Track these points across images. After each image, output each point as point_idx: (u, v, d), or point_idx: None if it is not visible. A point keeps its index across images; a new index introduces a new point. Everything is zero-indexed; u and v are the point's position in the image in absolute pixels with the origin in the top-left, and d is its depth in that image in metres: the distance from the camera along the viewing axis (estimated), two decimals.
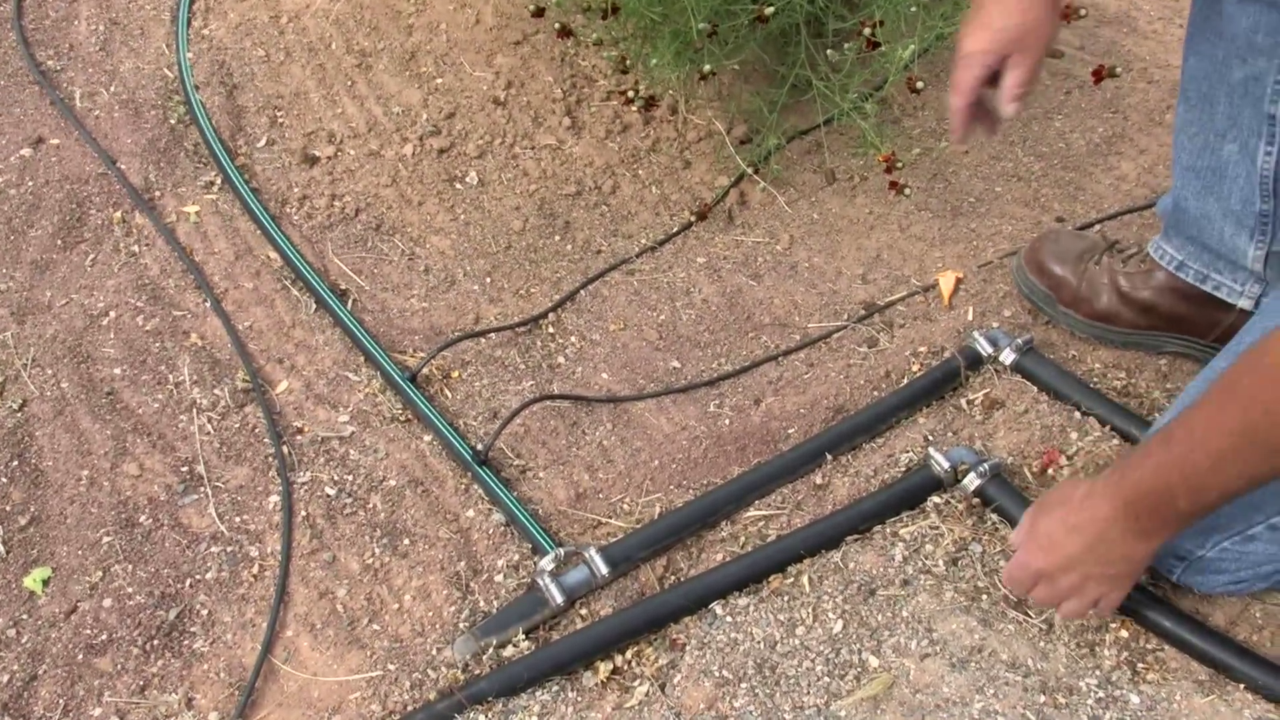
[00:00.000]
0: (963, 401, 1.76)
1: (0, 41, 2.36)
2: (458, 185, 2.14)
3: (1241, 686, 1.40)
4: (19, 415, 1.75)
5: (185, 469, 1.70)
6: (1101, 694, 1.40)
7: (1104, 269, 1.76)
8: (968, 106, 1.46)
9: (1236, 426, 1.12)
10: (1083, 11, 1.68)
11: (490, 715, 1.43)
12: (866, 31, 1.93)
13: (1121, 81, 2.29)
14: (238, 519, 1.65)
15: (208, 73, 2.27)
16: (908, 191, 2.01)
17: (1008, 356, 1.76)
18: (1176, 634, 1.44)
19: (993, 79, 1.44)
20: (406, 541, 1.62)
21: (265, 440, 1.74)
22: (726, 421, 1.78)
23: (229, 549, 1.62)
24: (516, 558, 1.60)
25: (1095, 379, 1.76)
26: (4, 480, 1.67)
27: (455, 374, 1.85)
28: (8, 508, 1.65)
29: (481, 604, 1.55)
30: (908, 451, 1.69)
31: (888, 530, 1.59)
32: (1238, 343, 1.43)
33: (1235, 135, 1.52)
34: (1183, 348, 1.74)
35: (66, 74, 2.31)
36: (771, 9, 1.88)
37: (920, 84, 1.93)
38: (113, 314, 1.90)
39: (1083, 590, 1.32)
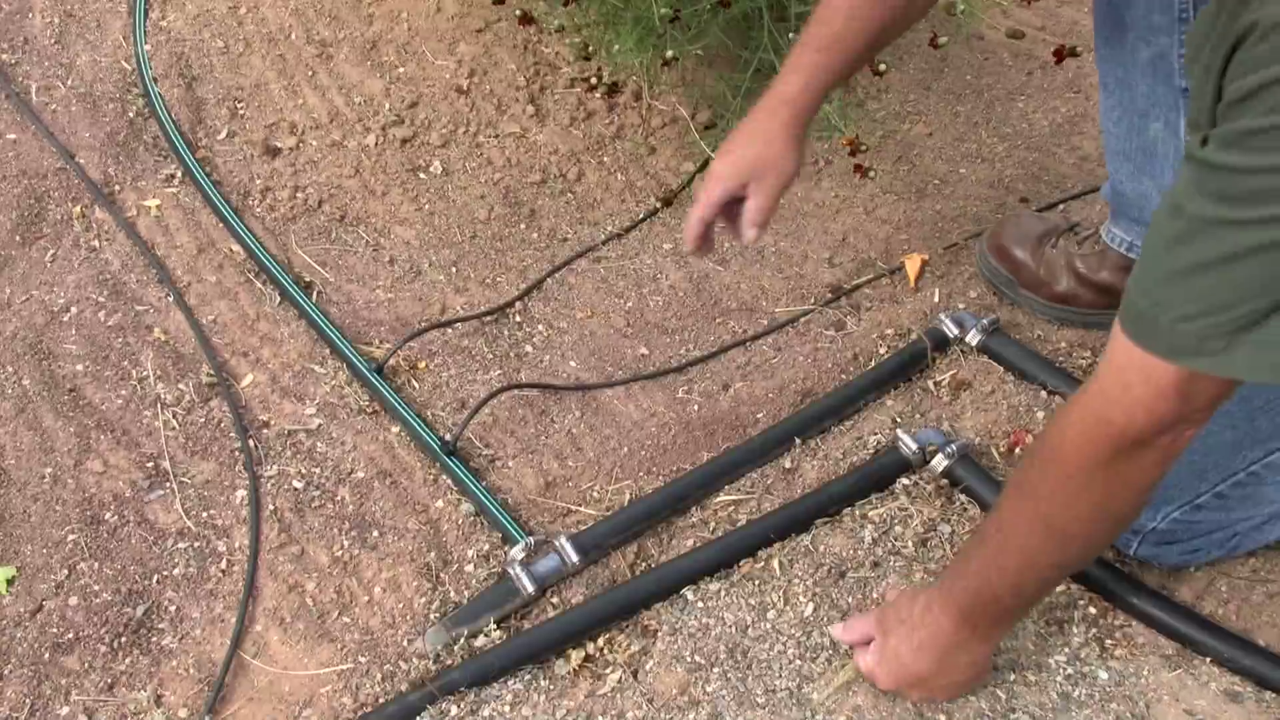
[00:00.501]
0: (930, 383, 1.76)
1: None
2: (421, 175, 2.13)
3: (1208, 660, 1.42)
4: None
5: (150, 465, 1.69)
6: (1070, 670, 1.41)
7: (1061, 252, 1.78)
8: (701, 221, 1.51)
9: (1033, 520, 1.16)
10: None
11: (463, 705, 1.42)
12: None
13: (1083, 61, 2.30)
14: (205, 514, 1.64)
15: (166, 65, 2.25)
16: (873, 174, 2.01)
17: (974, 338, 1.77)
18: (1143, 610, 1.45)
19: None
20: (375, 533, 1.61)
21: (231, 434, 1.73)
22: (695, 407, 1.78)
23: (196, 544, 1.61)
24: (487, 547, 1.60)
25: (1061, 358, 1.77)
26: None
27: (422, 365, 1.85)
28: None
29: (452, 594, 1.55)
30: (876, 434, 1.69)
31: (857, 513, 1.60)
32: None
33: (1158, 113, 1.54)
34: None
35: (21, 68, 2.28)
36: None
37: (883, 67, 1.94)
38: (74, 310, 1.88)
39: (930, 699, 1.36)
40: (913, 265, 1.94)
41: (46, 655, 1.49)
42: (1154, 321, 0.97)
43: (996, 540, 1.20)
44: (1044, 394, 1.71)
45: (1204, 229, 0.92)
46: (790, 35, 1.98)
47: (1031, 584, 1.23)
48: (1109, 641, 1.45)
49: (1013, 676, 1.40)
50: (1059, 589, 1.49)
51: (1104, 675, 1.41)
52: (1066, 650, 1.43)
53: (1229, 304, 0.92)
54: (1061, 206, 2.02)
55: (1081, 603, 1.48)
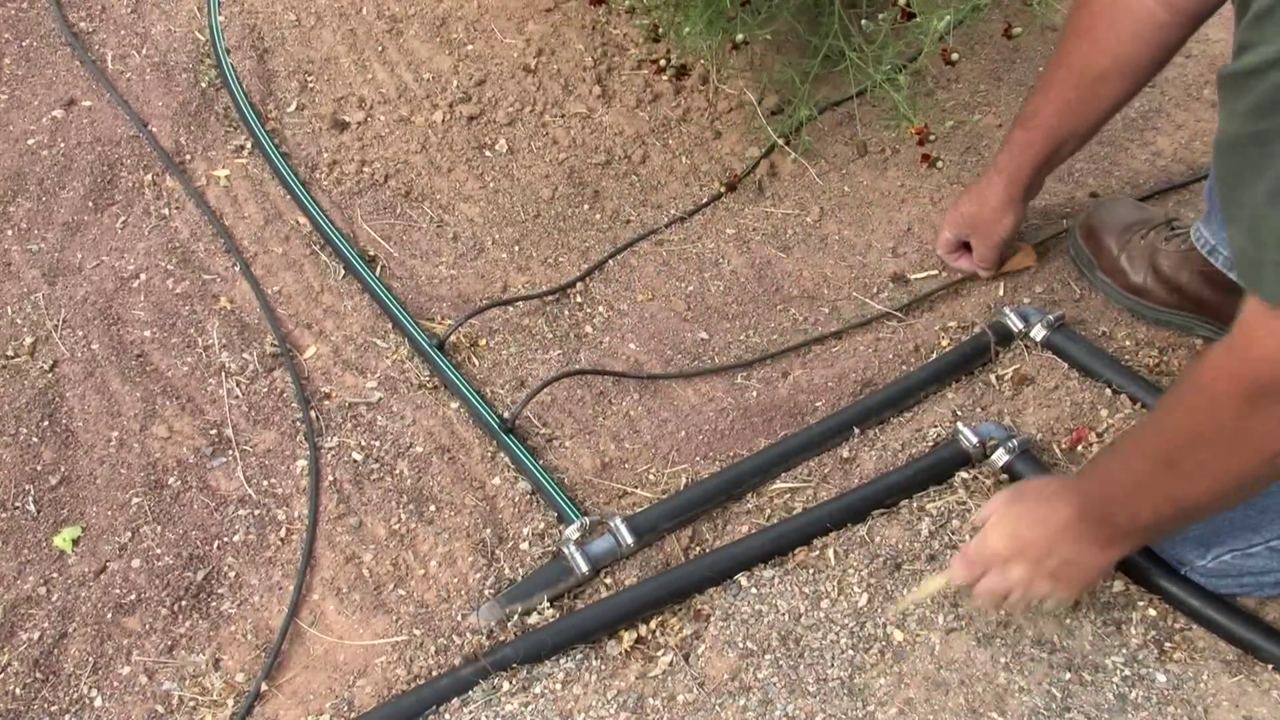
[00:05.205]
0: (992, 377, 1.75)
1: (33, 3, 2.36)
2: (487, 153, 2.13)
3: (1270, 667, 1.40)
4: (50, 376, 1.76)
5: (214, 432, 1.71)
6: (1128, 672, 1.40)
7: (1147, 245, 1.75)
8: (947, 255, 1.90)
9: (1158, 451, 1.18)
10: None
11: (514, 682, 1.43)
12: (901, 1, 1.90)
13: None
14: (265, 483, 1.66)
15: (239, 36, 2.27)
16: (940, 165, 1.98)
17: (1038, 333, 1.75)
18: (1204, 613, 1.44)
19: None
20: (433, 508, 1.62)
21: (293, 405, 1.74)
22: (754, 394, 1.78)
23: (256, 512, 1.63)
24: (542, 526, 1.61)
25: (1127, 356, 1.75)
26: (35, 440, 1.69)
27: (483, 342, 1.85)
28: (38, 467, 1.66)
29: (507, 571, 1.56)
30: (936, 426, 1.68)
31: (914, 505, 1.59)
32: None
33: None
34: (1212, 333, 1.73)
35: (98, 36, 2.31)
36: None
37: (955, 56, 1.91)
38: (143, 276, 1.90)
39: (1030, 586, 1.34)
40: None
41: (109, 615, 1.52)
42: (1259, 265, 0.99)
43: (1123, 459, 1.23)
44: (1108, 392, 1.68)
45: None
46: (862, 22, 1.96)
47: (1147, 512, 1.25)
48: (1168, 644, 1.43)
49: (1068, 676, 1.39)
50: (1116, 589, 1.48)
51: (1162, 678, 1.40)
52: (1124, 651, 1.42)
53: None
54: (1170, 201, 1.97)
55: (1141, 604, 1.47)
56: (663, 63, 2.15)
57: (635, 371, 1.81)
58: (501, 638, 1.49)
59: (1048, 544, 1.31)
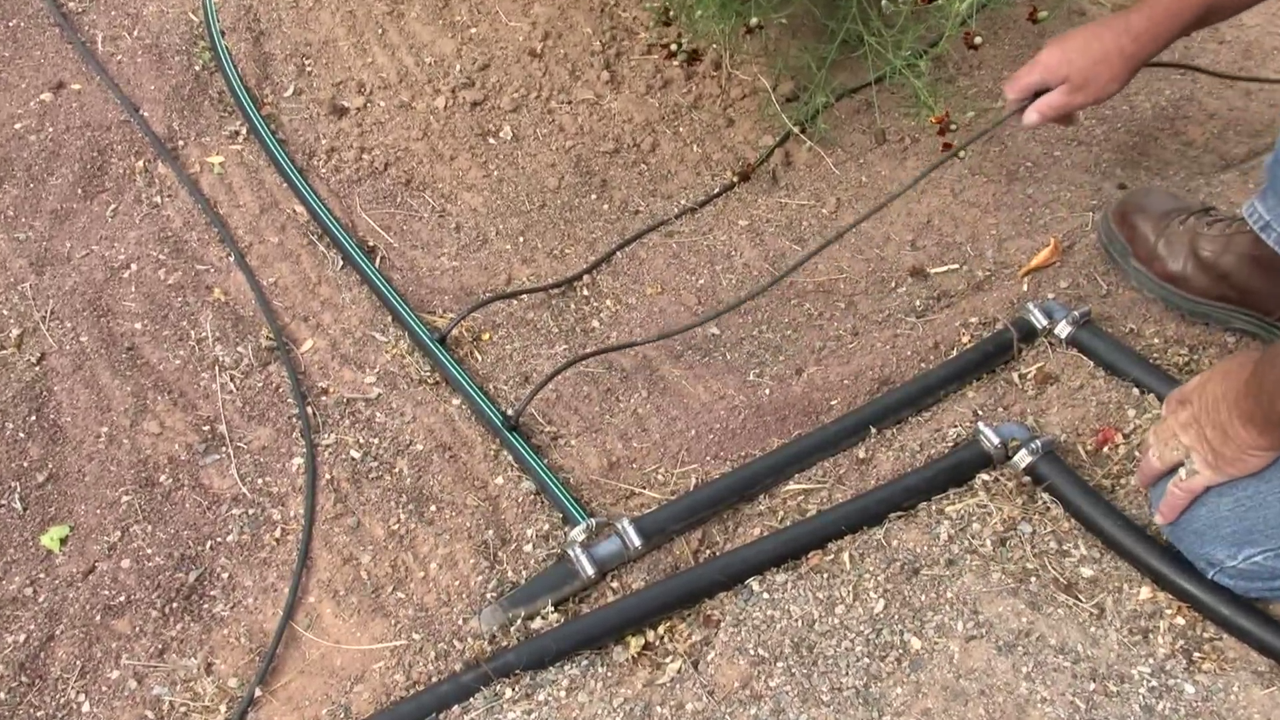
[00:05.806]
0: (1015, 375, 1.71)
1: None
2: (491, 140, 2.11)
3: None
4: (37, 369, 1.74)
5: (207, 428, 1.69)
6: (1155, 683, 1.36)
7: (1187, 230, 1.71)
8: (1015, 101, 1.69)
9: None
10: None
11: (517, 689, 1.41)
12: None
13: (1190, 42, 2.22)
14: (260, 481, 1.64)
15: (234, 18, 2.24)
16: (961, 154, 1.96)
17: (1063, 329, 1.71)
18: (1236, 622, 1.39)
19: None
20: (433, 508, 1.60)
21: (289, 400, 1.72)
22: (766, 391, 1.74)
23: (251, 511, 1.61)
24: (546, 527, 1.58)
25: (1155, 354, 1.70)
26: (22, 436, 1.66)
27: (486, 336, 1.83)
28: (25, 464, 1.64)
29: (509, 574, 1.53)
30: (956, 426, 1.64)
31: (933, 508, 1.55)
32: None
33: None
34: (1249, 325, 1.68)
35: (88, 16, 2.29)
36: None
37: (978, 40, 1.89)
38: (134, 266, 1.88)
39: (1176, 436, 1.36)
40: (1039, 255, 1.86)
41: (98, 618, 1.50)
42: None
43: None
44: (1136, 391, 1.64)
45: None
46: (882, 4, 1.92)
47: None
48: (1197, 654, 1.40)
49: (1092, 686, 1.35)
50: (1143, 595, 1.44)
51: (1190, 690, 1.36)
52: (1151, 661, 1.38)
53: None
54: (1201, 194, 1.93)
55: (1169, 612, 1.43)
56: (674, 47, 2.13)
57: (638, 340, 1.78)
58: (504, 643, 1.46)
59: (1220, 396, 1.31)
